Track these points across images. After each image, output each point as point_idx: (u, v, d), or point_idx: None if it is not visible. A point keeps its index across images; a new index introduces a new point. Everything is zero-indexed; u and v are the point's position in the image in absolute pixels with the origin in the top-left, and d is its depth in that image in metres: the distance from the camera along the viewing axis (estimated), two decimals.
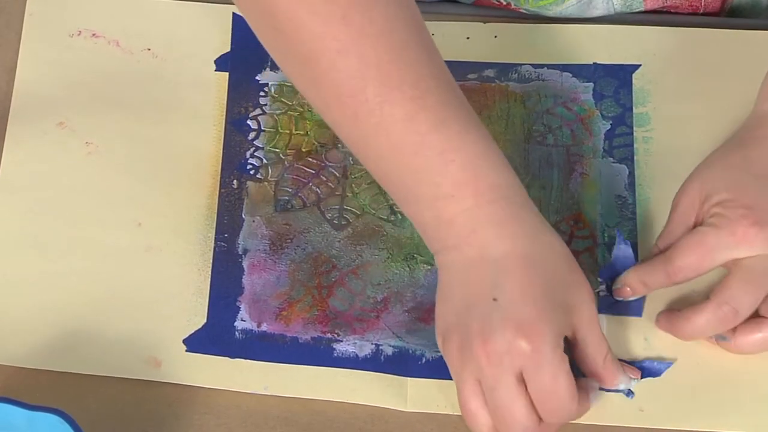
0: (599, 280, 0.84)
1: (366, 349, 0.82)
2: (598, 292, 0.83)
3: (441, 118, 0.77)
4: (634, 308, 0.83)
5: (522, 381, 0.75)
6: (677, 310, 0.81)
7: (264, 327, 0.83)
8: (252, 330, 0.83)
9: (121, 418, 0.80)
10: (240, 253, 0.85)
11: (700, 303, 0.80)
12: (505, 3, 0.92)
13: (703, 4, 0.93)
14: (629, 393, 0.80)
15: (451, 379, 0.80)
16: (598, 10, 0.92)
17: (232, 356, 0.82)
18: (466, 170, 0.77)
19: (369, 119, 0.77)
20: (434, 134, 0.76)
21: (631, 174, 0.87)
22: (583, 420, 0.79)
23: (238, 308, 0.83)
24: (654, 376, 0.80)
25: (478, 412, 0.77)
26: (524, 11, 0.92)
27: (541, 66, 0.91)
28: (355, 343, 0.82)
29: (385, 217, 0.86)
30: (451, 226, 0.77)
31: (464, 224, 0.77)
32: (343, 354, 0.82)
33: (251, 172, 0.87)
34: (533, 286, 0.76)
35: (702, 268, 0.79)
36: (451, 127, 0.77)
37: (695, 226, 0.80)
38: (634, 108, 0.89)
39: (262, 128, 0.89)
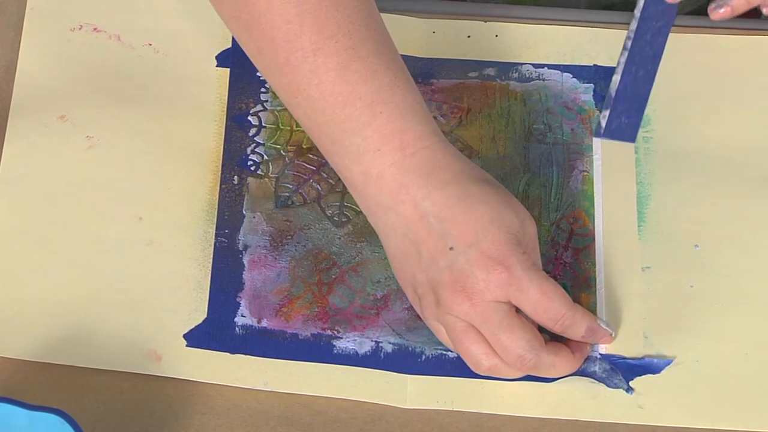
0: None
1: (366, 346, 0.82)
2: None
3: (373, 69, 0.77)
4: (627, 133, 0.85)
5: (512, 306, 0.77)
6: None
7: (264, 323, 0.83)
8: (252, 326, 0.83)
9: (121, 418, 0.80)
10: (240, 248, 0.85)
11: None
12: None
13: None
14: (629, 389, 0.80)
15: (450, 375, 0.81)
16: None
17: (232, 352, 0.82)
18: (394, 123, 0.77)
19: (302, 66, 0.77)
20: (364, 85, 0.77)
21: None
22: (583, 417, 0.80)
23: (239, 304, 0.83)
24: (654, 373, 0.81)
25: (472, 346, 0.77)
26: None
27: (542, 66, 0.91)
28: (355, 340, 0.82)
29: None
30: (380, 181, 0.78)
31: (393, 179, 0.77)
32: (343, 351, 0.82)
33: (252, 168, 0.87)
34: (478, 222, 0.76)
35: None
36: (382, 79, 0.77)
37: None
38: None
39: (263, 124, 0.89)
